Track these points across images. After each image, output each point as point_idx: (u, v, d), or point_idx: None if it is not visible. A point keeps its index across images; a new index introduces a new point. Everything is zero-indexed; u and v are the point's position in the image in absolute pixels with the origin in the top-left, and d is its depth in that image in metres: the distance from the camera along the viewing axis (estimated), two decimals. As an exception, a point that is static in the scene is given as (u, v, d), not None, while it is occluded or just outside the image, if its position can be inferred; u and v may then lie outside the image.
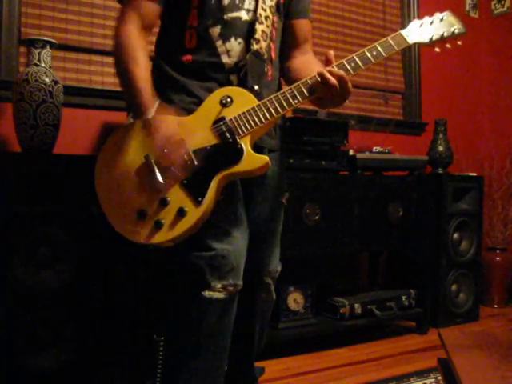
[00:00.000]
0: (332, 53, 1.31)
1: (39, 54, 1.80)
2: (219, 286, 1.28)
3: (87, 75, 2.23)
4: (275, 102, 1.29)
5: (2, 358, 1.61)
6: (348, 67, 1.29)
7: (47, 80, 1.79)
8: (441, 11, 1.36)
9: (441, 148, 2.89)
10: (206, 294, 1.27)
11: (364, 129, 2.97)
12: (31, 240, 1.66)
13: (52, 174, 1.73)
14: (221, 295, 1.28)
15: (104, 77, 2.26)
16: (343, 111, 2.90)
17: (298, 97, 1.30)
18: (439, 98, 3.33)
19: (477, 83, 3.56)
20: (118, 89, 2.30)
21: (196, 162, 1.25)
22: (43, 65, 1.81)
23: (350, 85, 1.28)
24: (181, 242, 1.28)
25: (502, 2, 3.53)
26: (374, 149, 2.62)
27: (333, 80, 1.26)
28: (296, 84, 1.31)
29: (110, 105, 2.22)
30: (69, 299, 1.71)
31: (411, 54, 3.22)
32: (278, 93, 1.31)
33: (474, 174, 2.96)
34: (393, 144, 2.82)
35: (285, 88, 1.34)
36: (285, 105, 1.29)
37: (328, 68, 1.29)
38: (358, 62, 1.30)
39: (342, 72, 1.27)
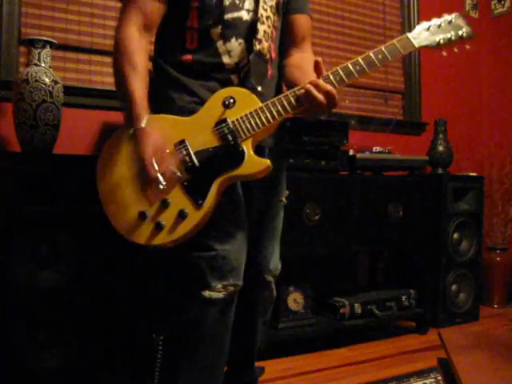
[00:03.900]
0: (320, 60, 1.27)
1: (39, 53, 1.80)
2: (219, 286, 1.28)
3: (87, 75, 2.23)
4: (278, 105, 1.27)
5: (3, 358, 1.61)
6: (352, 70, 1.26)
7: (47, 80, 1.79)
8: (444, 12, 1.32)
9: (441, 148, 2.90)
10: (206, 294, 1.27)
11: (364, 129, 2.96)
12: (31, 240, 1.66)
13: (52, 174, 1.73)
14: (220, 295, 1.28)
15: (104, 77, 2.25)
16: (343, 111, 2.89)
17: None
18: (439, 98, 3.33)
19: (477, 83, 3.56)
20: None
21: (197, 164, 1.25)
22: (43, 65, 1.80)
23: (336, 99, 1.25)
24: (182, 243, 1.27)
25: (502, 2, 3.53)
26: (373, 149, 2.62)
27: (320, 98, 1.23)
28: (299, 87, 1.28)
29: (109, 105, 2.22)
30: (69, 299, 1.70)
31: (411, 54, 3.22)
32: (281, 95, 1.29)
33: (474, 174, 2.96)
34: (393, 144, 2.82)
35: (288, 90, 1.31)
36: (288, 107, 1.27)
37: (315, 82, 1.24)
38: (363, 65, 1.27)
39: (328, 87, 1.23)
